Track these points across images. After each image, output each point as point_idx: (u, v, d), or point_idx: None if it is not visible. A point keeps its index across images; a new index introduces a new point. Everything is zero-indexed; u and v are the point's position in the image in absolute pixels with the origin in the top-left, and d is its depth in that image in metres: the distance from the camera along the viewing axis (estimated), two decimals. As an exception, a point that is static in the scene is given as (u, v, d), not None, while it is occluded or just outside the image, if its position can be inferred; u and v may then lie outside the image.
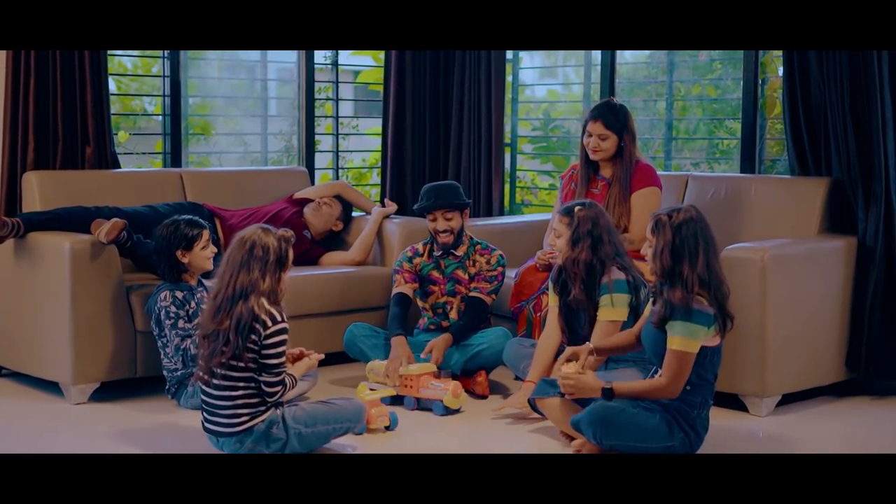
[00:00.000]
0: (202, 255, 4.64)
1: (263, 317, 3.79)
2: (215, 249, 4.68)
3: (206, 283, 4.69)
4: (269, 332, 3.80)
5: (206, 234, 4.66)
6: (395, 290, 5.10)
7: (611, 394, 3.91)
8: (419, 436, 4.33)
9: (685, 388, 3.89)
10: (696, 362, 3.86)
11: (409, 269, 5.13)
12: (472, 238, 5.16)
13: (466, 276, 5.08)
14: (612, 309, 4.40)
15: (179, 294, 4.60)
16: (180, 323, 4.55)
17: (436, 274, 5.12)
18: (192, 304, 4.61)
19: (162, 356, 4.65)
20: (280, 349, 3.83)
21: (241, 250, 3.83)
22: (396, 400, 4.67)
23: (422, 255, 5.16)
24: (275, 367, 3.83)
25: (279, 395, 3.87)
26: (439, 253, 5.10)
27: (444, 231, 5.04)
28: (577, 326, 4.59)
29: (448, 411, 4.57)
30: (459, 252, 5.10)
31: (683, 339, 3.82)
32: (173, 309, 4.55)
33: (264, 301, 3.81)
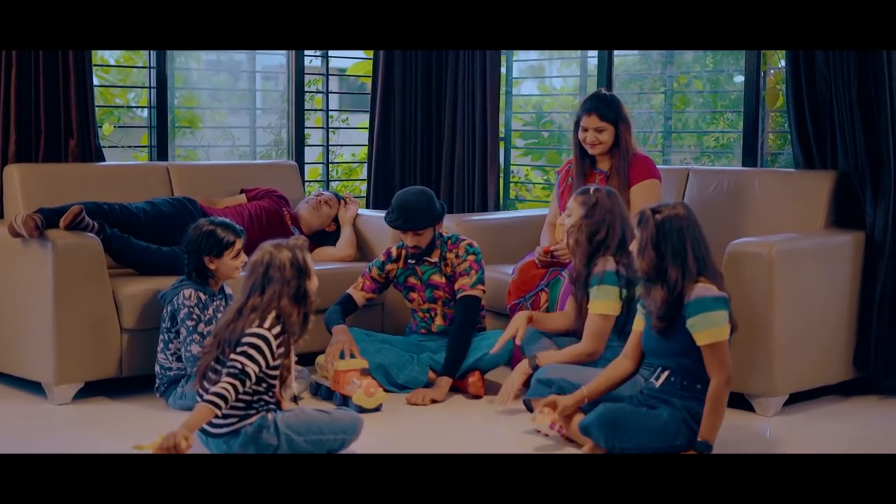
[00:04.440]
0: (231, 264, 4.49)
1: (254, 328, 3.73)
2: (245, 259, 4.45)
3: (228, 291, 4.62)
4: (249, 331, 3.72)
5: (239, 242, 4.50)
6: (348, 290, 5.02)
7: (706, 446, 3.76)
8: (413, 436, 4.25)
9: (696, 385, 3.82)
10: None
11: (374, 277, 5.02)
12: (442, 236, 4.98)
13: (444, 280, 4.94)
14: (602, 301, 4.33)
15: (203, 296, 4.46)
16: (200, 327, 4.41)
17: (413, 280, 5.00)
18: (210, 310, 4.47)
19: (159, 350, 4.54)
20: (243, 348, 3.69)
21: (255, 273, 3.80)
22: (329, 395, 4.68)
23: (396, 262, 5.02)
24: (232, 374, 3.66)
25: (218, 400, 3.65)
26: (413, 261, 4.98)
27: (414, 246, 4.92)
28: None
29: (362, 410, 4.43)
30: (434, 258, 4.95)
31: (710, 331, 3.74)
32: (196, 311, 4.42)
33: (272, 315, 3.75)
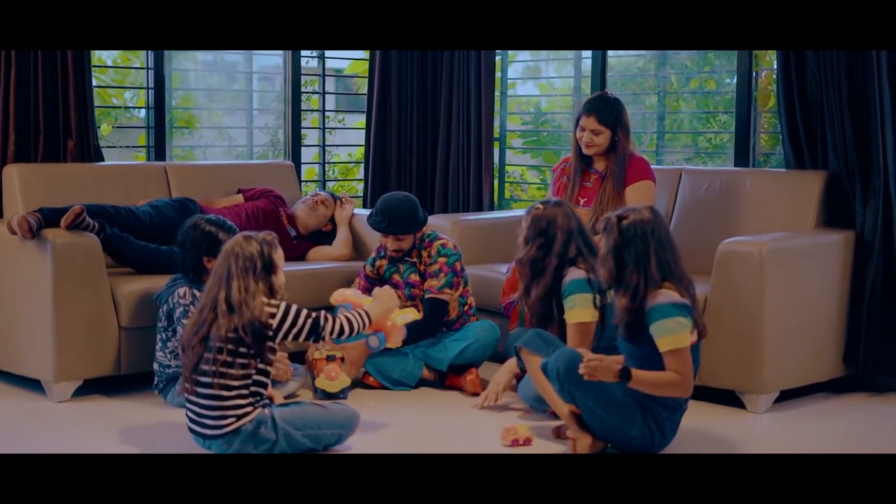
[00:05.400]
0: None
1: (269, 310, 3.77)
2: None
3: None
4: (275, 322, 3.78)
5: None
6: None
7: (627, 374, 3.77)
8: (409, 435, 4.27)
9: None
10: None
11: (368, 275, 5.12)
12: (421, 235, 5.04)
13: (419, 278, 5.00)
14: (577, 310, 4.31)
15: (198, 293, 4.47)
16: None
17: (396, 278, 5.06)
18: None
19: (157, 349, 4.56)
20: (301, 315, 3.82)
21: (225, 263, 3.83)
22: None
23: (384, 258, 5.11)
24: (313, 328, 3.83)
25: (348, 329, 3.92)
26: (395, 260, 5.05)
27: (395, 250, 4.98)
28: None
29: (327, 395, 4.46)
30: (413, 257, 5.02)
31: (671, 337, 3.74)
32: (192, 309, 4.41)
33: (263, 299, 3.79)
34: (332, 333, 3.89)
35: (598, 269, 3.90)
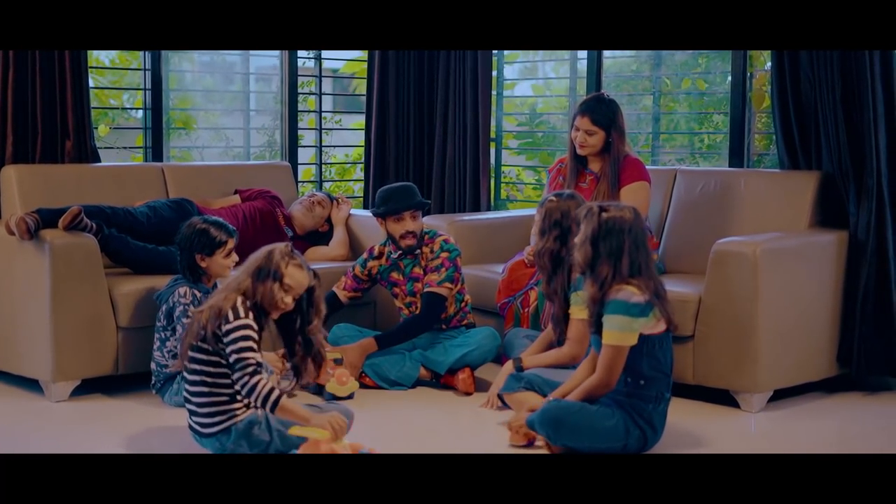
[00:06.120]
0: (222, 262, 4.52)
1: (228, 311, 3.74)
2: (237, 258, 4.50)
3: None
4: (227, 327, 3.73)
5: (231, 242, 4.53)
6: (333, 288, 5.11)
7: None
8: (403, 435, 4.28)
9: (639, 381, 3.87)
10: (646, 353, 3.84)
11: (357, 275, 5.11)
12: (422, 232, 5.05)
13: (422, 272, 5.00)
14: (580, 307, 4.33)
15: (198, 294, 4.50)
16: None
17: (395, 275, 5.06)
18: None
19: (155, 349, 4.58)
20: (238, 345, 3.71)
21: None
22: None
23: (378, 258, 5.10)
24: (235, 362, 3.72)
25: (249, 390, 3.70)
26: (396, 255, 5.03)
27: (412, 232, 4.94)
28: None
29: (334, 397, 4.48)
30: (416, 250, 5.03)
31: (617, 334, 3.80)
32: (192, 309, 4.40)
33: (239, 299, 3.77)
34: (243, 388, 3.71)
35: (574, 253, 3.94)
